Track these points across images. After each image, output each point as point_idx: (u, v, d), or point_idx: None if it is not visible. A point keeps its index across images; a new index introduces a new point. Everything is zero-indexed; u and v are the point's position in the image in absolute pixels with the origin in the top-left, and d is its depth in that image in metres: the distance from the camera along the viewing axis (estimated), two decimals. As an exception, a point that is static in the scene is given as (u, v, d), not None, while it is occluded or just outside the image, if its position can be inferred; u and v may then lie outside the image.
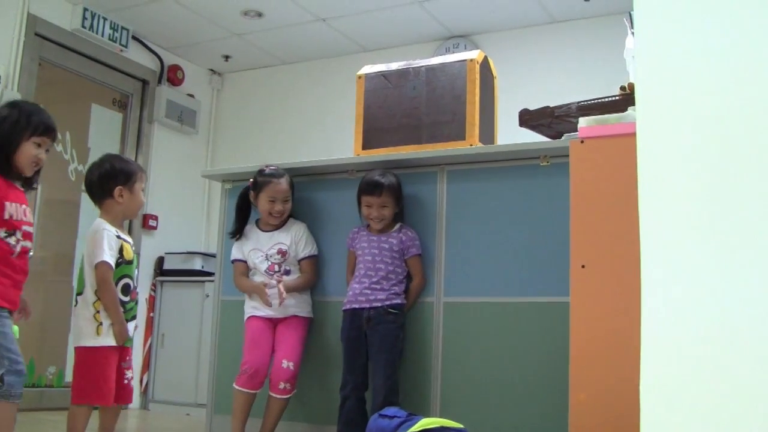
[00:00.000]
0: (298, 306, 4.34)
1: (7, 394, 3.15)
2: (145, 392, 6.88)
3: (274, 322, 4.30)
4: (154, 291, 7.03)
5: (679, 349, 1.49)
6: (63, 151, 6.56)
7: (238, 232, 4.46)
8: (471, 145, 4.18)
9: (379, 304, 4.05)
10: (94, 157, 6.66)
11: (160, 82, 7.43)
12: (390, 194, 4.12)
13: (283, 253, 4.32)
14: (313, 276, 4.39)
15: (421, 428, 2.48)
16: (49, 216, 6.42)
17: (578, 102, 3.74)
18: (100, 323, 3.63)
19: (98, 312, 3.64)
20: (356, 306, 4.11)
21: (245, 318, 4.35)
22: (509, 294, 3.93)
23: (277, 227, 4.40)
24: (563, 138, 3.85)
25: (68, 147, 6.61)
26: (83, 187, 6.59)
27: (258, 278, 4.35)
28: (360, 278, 4.15)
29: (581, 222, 2.68)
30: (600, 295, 2.59)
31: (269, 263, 4.33)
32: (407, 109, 4.41)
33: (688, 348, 1.48)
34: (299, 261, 4.37)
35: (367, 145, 4.48)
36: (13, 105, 3.50)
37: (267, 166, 4.39)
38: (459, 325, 4.04)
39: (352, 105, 4.61)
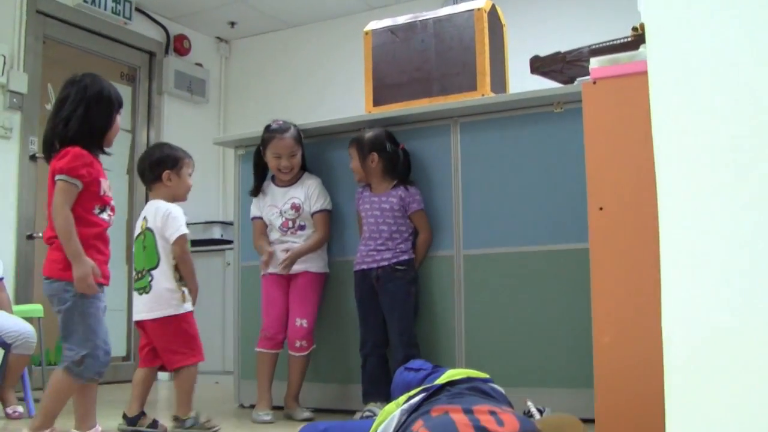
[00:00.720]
0: (310, 261, 4.33)
1: (79, 374, 3.25)
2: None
3: (287, 279, 4.31)
4: (175, 262, 7.04)
5: (701, 290, 1.47)
6: (75, 128, 6.54)
7: (256, 189, 4.45)
8: (483, 95, 4.14)
9: (386, 263, 4.08)
10: (105, 132, 6.67)
11: (166, 53, 7.38)
12: (353, 146, 4.20)
13: (297, 208, 4.31)
14: (325, 232, 4.37)
15: (447, 380, 2.46)
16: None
17: (589, 46, 3.68)
18: (183, 291, 3.79)
19: (179, 281, 3.80)
20: (365, 267, 4.15)
21: (261, 276, 4.38)
22: (528, 243, 3.92)
23: (291, 182, 4.38)
24: (575, 83, 3.81)
25: (80, 124, 6.59)
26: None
27: (273, 235, 4.35)
28: (366, 240, 4.19)
29: (597, 164, 2.65)
30: (619, 237, 2.57)
31: (283, 219, 4.32)
32: (416, 62, 4.37)
33: (710, 289, 1.45)
34: (312, 215, 4.34)
35: (377, 101, 4.45)
36: (92, 81, 3.55)
37: (274, 121, 4.38)
38: (479, 277, 4.03)
39: (361, 63, 4.57)
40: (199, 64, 7.70)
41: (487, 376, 2.55)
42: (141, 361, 3.90)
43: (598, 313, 2.59)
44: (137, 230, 3.93)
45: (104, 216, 3.41)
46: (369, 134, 4.19)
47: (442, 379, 2.47)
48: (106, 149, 3.51)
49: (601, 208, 2.61)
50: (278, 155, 4.28)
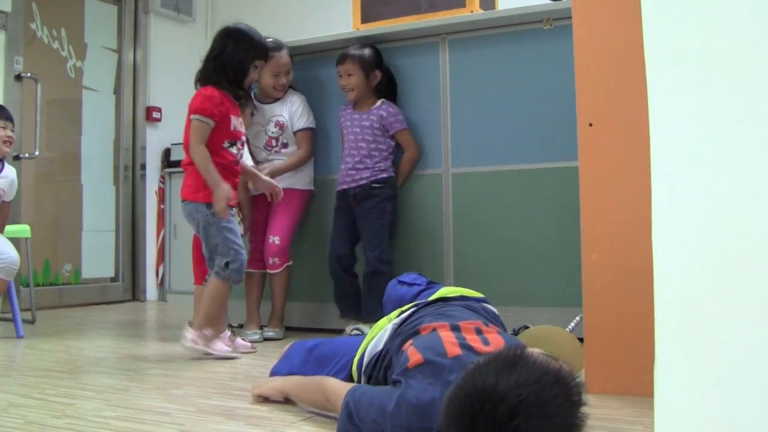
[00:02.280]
0: (294, 178, 4.33)
1: (228, 277, 3.61)
2: (161, 284, 6.92)
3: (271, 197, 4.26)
4: (163, 183, 7.00)
5: (691, 204, 1.45)
6: (60, 48, 6.45)
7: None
8: (471, 11, 4.09)
9: (364, 182, 4.09)
10: (91, 52, 6.59)
11: (152, -29, 7.26)
12: (353, 62, 4.12)
13: (281, 126, 4.29)
14: (307, 150, 4.35)
15: (440, 296, 2.46)
16: (52, 116, 6.36)
17: (580, -41, 3.61)
18: None
19: None
20: (345, 187, 4.17)
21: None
22: (517, 161, 3.90)
23: (276, 99, 4.34)
24: (566, -1, 3.76)
25: (65, 44, 6.50)
26: (84, 84, 6.56)
27: (260, 155, 4.35)
28: (345, 158, 4.19)
29: (587, 80, 2.62)
30: (608, 153, 2.55)
31: (267, 137, 4.30)
32: (404, -22, 4.31)
33: (702, 203, 1.44)
34: (294, 133, 4.32)
35: (365, 18, 4.40)
36: (238, 28, 3.86)
37: (268, 39, 4.30)
38: (468, 195, 4.02)
39: (349, -22, 4.50)
40: (185, -17, 7.58)
41: (481, 295, 2.55)
42: (196, 279, 4.10)
43: (587, 230, 2.59)
44: None
45: (233, 150, 3.71)
46: (368, 51, 4.15)
47: (435, 296, 2.47)
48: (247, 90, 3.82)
49: (590, 125, 2.59)
50: (276, 73, 4.22)
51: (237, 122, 3.71)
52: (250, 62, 3.71)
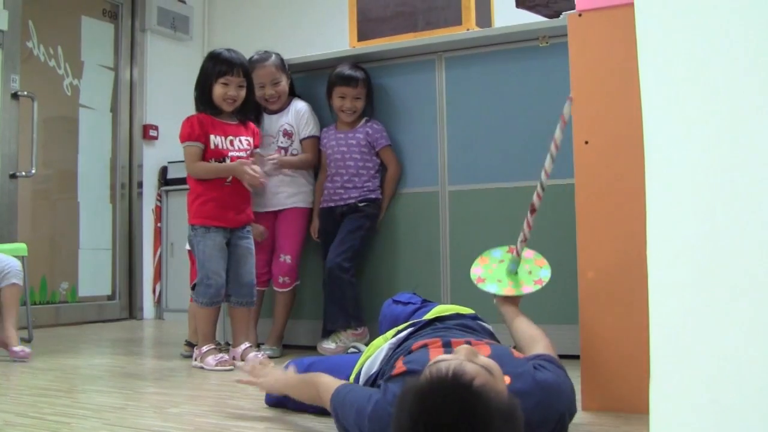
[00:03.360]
0: (297, 197, 4.32)
1: (195, 298, 3.86)
2: (158, 302, 6.91)
3: (275, 215, 4.30)
4: (160, 201, 7.01)
5: (686, 222, 1.46)
6: (56, 66, 6.47)
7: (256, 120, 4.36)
8: (468, 29, 4.11)
9: (352, 201, 4.12)
10: (88, 70, 6.60)
11: (149, -11, 7.28)
12: (364, 87, 4.15)
13: (289, 135, 4.29)
14: (314, 156, 4.34)
15: (435, 315, 2.47)
16: (49, 134, 6.37)
17: (575, -22, 3.64)
18: None
19: None
20: (331, 204, 4.19)
21: None
22: (514, 179, 3.91)
23: (281, 108, 4.33)
24: (561, 16, 3.77)
25: (61, 61, 6.51)
26: (81, 102, 6.56)
27: (267, 167, 4.31)
28: (332, 177, 4.21)
29: (582, 96, 2.63)
30: (604, 170, 2.55)
31: (276, 147, 4.29)
32: (400, -4, 4.33)
33: (697, 222, 1.44)
34: (301, 141, 4.31)
35: (362, 36, 4.41)
36: (208, 56, 3.97)
37: (256, 53, 4.33)
38: (464, 213, 4.02)
39: (346, -3, 4.52)
40: (182, 1, 7.60)
41: (474, 312, 2.56)
42: None
43: (583, 248, 2.59)
44: None
45: None
46: (366, 74, 4.18)
47: (430, 315, 2.47)
48: (222, 108, 3.87)
49: (586, 142, 2.60)
50: (262, 84, 4.23)
51: (220, 140, 3.84)
52: (214, 80, 3.82)
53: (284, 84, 4.29)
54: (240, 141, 3.90)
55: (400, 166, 4.20)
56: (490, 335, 2.43)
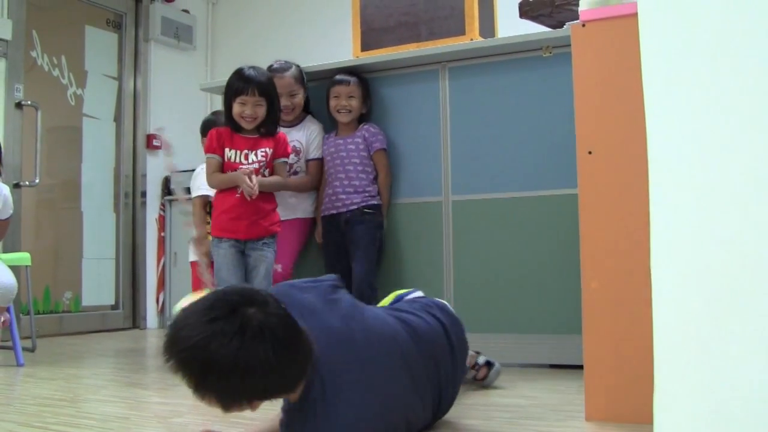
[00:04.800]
0: (293, 209, 4.32)
1: None
2: (162, 312, 6.91)
3: None
4: (163, 211, 7.01)
5: (690, 232, 1.46)
6: (60, 76, 6.48)
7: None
8: (471, 39, 4.11)
9: (355, 207, 4.11)
10: (92, 80, 6.61)
11: (152, -1, 7.29)
12: (358, 86, 4.18)
13: (297, 152, 4.28)
14: (315, 179, 4.34)
15: (383, 303, 2.55)
16: (52, 143, 6.38)
17: (579, -12, 3.64)
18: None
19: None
20: (334, 212, 4.18)
21: None
22: (517, 189, 3.91)
23: (293, 123, 4.34)
24: (565, 27, 3.77)
25: (65, 71, 6.53)
26: (85, 111, 6.58)
27: None
28: (332, 182, 4.21)
29: (586, 107, 2.63)
30: (608, 180, 2.55)
31: None
32: (404, 6, 4.33)
33: (700, 231, 1.44)
34: (307, 161, 4.32)
35: (365, 46, 4.42)
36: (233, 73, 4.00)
37: (276, 61, 4.32)
38: (468, 223, 4.02)
39: (349, 7, 4.53)
40: (186, 11, 7.61)
41: (412, 289, 2.68)
42: None
43: (587, 259, 2.59)
44: None
45: None
46: (356, 76, 4.21)
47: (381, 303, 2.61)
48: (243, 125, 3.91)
49: (590, 152, 2.60)
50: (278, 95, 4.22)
51: (234, 154, 3.90)
52: (233, 98, 3.87)
53: (300, 97, 4.29)
54: (256, 154, 3.90)
55: (389, 174, 4.22)
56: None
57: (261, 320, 1.76)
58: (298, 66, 4.31)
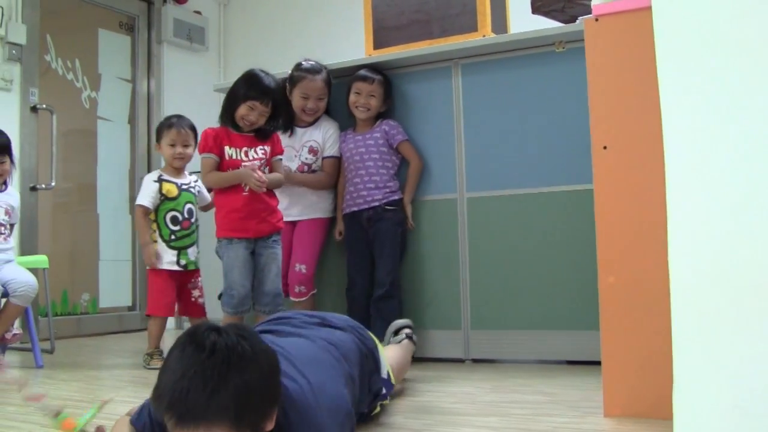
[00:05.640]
0: (315, 207, 4.33)
1: (221, 306, 3.97)
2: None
3: (292, 225, 4.30)
4: (179, 212, 7.02)
5: (708, 227, 1.45)
6: (74, 80, 6.50)
7: (285, 127, 4.33)
8: (484, 36, 4.11)
9: (377, 204, 4.12)
10: (105, 82, 6.63)
11: (165, 1, 7.29)
12: (380, 86, 4.18)
13: (314, 152, 4.29)
14: (331, 177, 4.35)
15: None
16: (68, 146, 6.40)
17: (591, -17, 3.63)
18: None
19: (153, 241, 4.37)
20: (355, 209, 4.19)
21: None
22: (532, 185, 3.90)
23: (309, 123, 4.34)
24: (578, 22, 3.76)
25: (79, 75, 6.54)
26: (99, 114, 6.60)
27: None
28: (352, 180, 4.22)
29: (600, 102, 2.62)
30: (623, 175, 2.55)
31: (300, 162, 4.29)
32: (416, 3, 4.33)
33: (717, 225, 1.44)
34: (323, 159, 4.32)
35: (378, 44, 4.42)
36: (246, 76, 4.00)
37: (306, 60, 4.32)
38: (483, 219, 4.02)
39: (361, 6, 4.53)
40: (198, 12, 7.62)
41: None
42: None
43: (603, 254, 2.58)
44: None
45: None
46: (382, 75, 4.21)
47: None
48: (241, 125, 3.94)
49: (605, 147, 2.59)
50: (306, 96, 4.23)
51: (234, 151, 3.92)
52: (242, 100, 3.88)
53: (326, 101, 4.31)
54: (255, 151, 3.94)
55: (421, 160, 4.20)
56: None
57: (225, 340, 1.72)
58: (326, 69, 4.32)
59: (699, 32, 1.48)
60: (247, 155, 3.91)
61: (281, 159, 4.08)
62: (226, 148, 3.89)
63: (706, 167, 1.46)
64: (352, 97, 4.20)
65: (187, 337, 1.74)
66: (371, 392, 2.51)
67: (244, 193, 3.86)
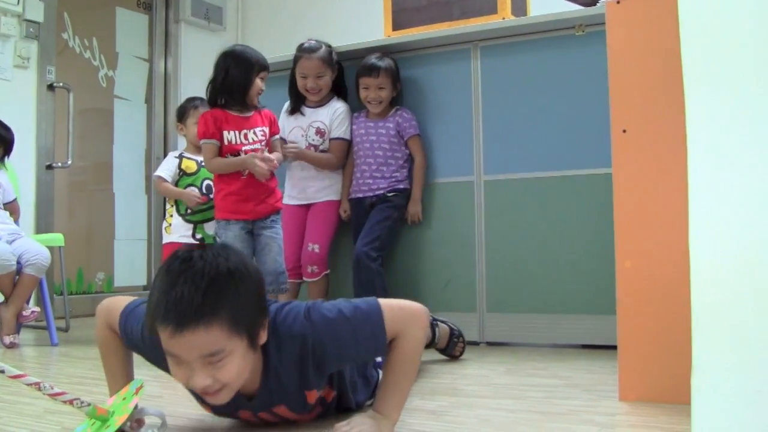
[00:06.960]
0: (327, 190, 4.33)
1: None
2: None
3: (306, 208, 4.32)
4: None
5: (729, 212, 1.44)
6: (92, 58, 6.51)
7: (293, 109, 4.38)
8: (503, 18, 4.09)
9: (381, 192, 4.13)
10: (122, 61, 6.64)
11: (183, -20, 7.29)
12: (387, 76, 4.13)
13: (321, 133, 4.27)
14: (339, 159, 4.32)
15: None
16: (84, 125, 6.41)
17: (612, -35, 3.60)
18: (169, 224, 4.51)
19: (170, 216, 4.50)
20: (360, 195, 4.20)
21: None
22: (550, 168, 3.89)
23: (320, 104, 4.32)
24: (599, 4, 3.74)
25: (96, 53, 6.56)
26: (116, 93, 6.61)
27: (294, 163, 4.35)
28: (360, 166, 4.21)
29: (620, 85, 2.60)
30: (642, 159, 2.53)
31: (307, 143, 4.28)
32: (436, -16, 4.32)
33: (738, 210, 1.43)
34: (330, 140, 4.30)
35: (397, 25, 4.41)
36: (236, 48, 4.05)
37: (308, 40, 4.30)
38: (500, 202, 4.01)
39: (382, -16, 4.52)
40: (216, -9, 7.61)
41: None
42: None
43: (621, 238, 2.57)
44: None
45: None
46: (391, 62, 4.16)
47: None
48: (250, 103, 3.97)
49: (624, 131, 2.57)
50: (304, 75, 4.21)
51: (234, 135, 3.91)
52: (255, 75, 3.90)
53: (328, 78, 4.25)
54: (254, 133, 3.94)
55: (425, 157, 4.19)
56: None
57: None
58: (328, 46, 4.27)
59: (725, 15, 1.47)
60: (246, 138, 3.91)
61: (279, 137, 4.12)
62: (225, 132, 3.88)
63: (728, 152, 1.44)
64: (362, 93, 4.17)
65: (171, 258, 1.78)
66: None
67: (243, 177, 3.88)
